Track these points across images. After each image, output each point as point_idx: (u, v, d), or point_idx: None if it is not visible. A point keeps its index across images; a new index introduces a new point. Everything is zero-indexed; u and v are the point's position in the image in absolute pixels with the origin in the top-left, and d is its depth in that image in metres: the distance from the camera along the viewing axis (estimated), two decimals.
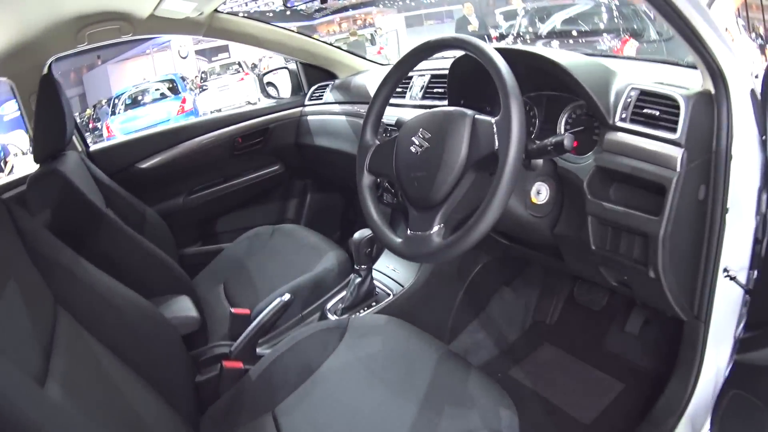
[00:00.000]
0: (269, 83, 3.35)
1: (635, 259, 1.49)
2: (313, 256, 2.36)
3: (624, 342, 2.23)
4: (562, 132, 1.66)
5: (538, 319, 2.47)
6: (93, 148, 2.68)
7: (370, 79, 2.73)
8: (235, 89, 14.31)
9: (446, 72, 1.91)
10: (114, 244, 1.91)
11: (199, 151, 2.90)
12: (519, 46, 1.64)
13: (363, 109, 2.48)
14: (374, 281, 2.18)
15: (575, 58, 1.63)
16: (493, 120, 1.27)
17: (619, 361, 2.20)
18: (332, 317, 2.07)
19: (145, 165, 2.77)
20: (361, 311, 2.11)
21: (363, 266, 2.09)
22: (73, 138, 2.50)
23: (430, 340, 1.66)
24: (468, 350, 2.35)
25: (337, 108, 2.84)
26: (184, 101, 12.82)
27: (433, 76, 2.21)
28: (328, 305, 2.15)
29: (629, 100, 1.48)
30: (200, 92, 14.32)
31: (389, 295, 2.18)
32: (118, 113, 13.04)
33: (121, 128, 12.15)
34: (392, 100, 1.76)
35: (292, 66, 3.22)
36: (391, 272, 2.31)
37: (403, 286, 2.21)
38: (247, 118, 3.02)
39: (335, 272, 2.27)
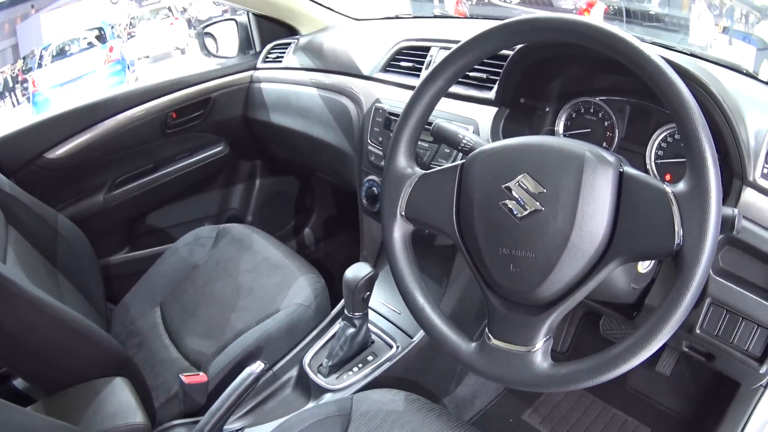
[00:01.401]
0: (207, 34, 2.62)
1: (748, 353, 1.19)
2: (276, 280, 1.90)
3: (651, 381, 1.96)
4: (651, 161, 1.31)
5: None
6: None
7: (350, 39, 2.17)
8: (165, 34, 13.91)
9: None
10: (13, 316, 1.37)
11: (123, 132, 2.30)
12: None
13: (345, 81, 1.98)
14: (369, 324, 1.72)
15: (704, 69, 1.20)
16: (668, 189, 0.86)
17: (645, 402, 1.97)
18: (318, 379, 1.64)
19: (54, 154, 2.19)
20: (355, 369, 1.66)
21: (358, 313, 1.61)
22: None
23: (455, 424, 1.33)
24: (477, 391, 2.00)
25: (304, 76, 2.22)
26: (111, 50, 12.13)
27: None
28: (307, 359, 1.70)
29: None
30: (128, 39, 13.73)
31: (391, 347, 1.72)
32: (45, 66, 12.17)
33: (46, 81, 11.63)
34: (399, 78, 1.56)
35: (241, 17, 2.58)
36: (391, 313, 1.83)
37: (411, 337, 1.74)
38: (183, 86, 2.40)
39: (312, 310, 1.80)
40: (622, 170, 0.92)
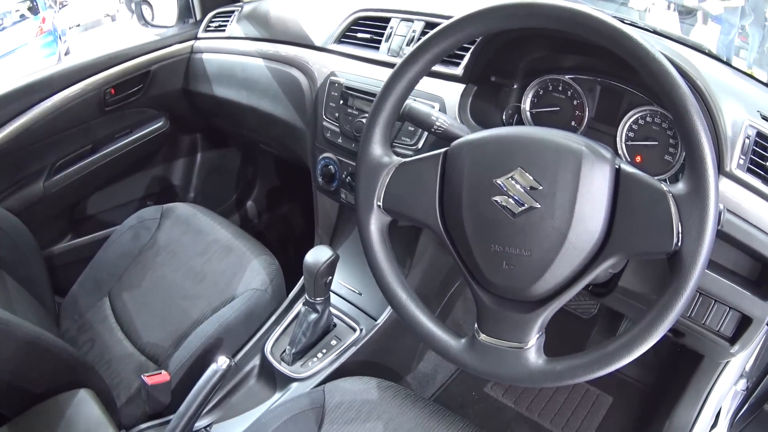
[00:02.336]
0: (143, 1, 2.48)
1: (719, 334, 1.20)
2: (229, 263, 1.83)
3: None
4: (622, 142, 1.30)
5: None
6: None
7: (299, 7, 2.05)
8: (94, 1, 13.19)
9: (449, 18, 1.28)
10: None
11: (61, 113, 2.16)
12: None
13: (295, 52, 1.88)
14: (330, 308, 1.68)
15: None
16: (667, 190, 0.87)
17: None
18: (282, 368, 1.59)
19: None
20: (320, 355, 1.62)
21: (320, 298, 1.56)
22: None
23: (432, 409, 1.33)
24: (437, 366, 2.00)
25: (250, 47, 2.10)
26: (43, 21, 11.48)
27: (429, 25, 1.56)
28: (268, 347, 1.65)
29: (747, 140, 1.10)
30: (60, 9, 13.38)
31: (355, 330, 1.68)
32: None
33: None
34: (355, 51, 1.54)
35: None
36: (352, 294, 1.80)
37: (374, 319, 1.71)
38: (121, 60, 2.26)
39: (269, 294, 1.73)
40: (618, 166, 0.91)
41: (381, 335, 1.67)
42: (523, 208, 0.91)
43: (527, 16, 0.95)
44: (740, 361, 1.42)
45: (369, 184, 1.08)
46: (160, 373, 1.48)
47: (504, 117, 1.40)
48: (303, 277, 1.60)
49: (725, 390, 1.47)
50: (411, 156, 1.10)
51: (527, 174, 0.91)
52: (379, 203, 1.07)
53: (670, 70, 0.86)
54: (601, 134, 1.32)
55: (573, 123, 1.35)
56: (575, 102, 1.34)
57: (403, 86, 1.06)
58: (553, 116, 1.36)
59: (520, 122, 1.39)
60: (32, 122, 2.08)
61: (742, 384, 1.54)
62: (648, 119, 1.25)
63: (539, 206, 0.90)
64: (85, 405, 1.34)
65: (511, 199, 0.92)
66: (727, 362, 1.41)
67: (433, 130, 1.16)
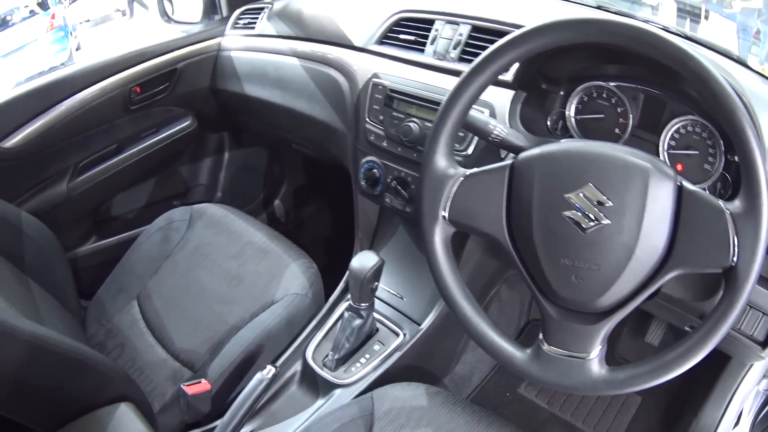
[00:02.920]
0: None
1: (752, 338, 1.23)
2: (266, 266, 1.81)
3: (639, 351, 2.03)
4: (664, 150, 1.31)
5: (534, 318, 2.16)
6: None
7: (333, 5, 2.02)
8: None
9: (497, 25, 1.45)
10: None
11: (84, 112, 2.12)
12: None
13: (333, 52, 1.85)
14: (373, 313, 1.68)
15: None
16: (725, 208, 0.91)
17: None
18: (325, 374, 1.58)
19: (9, 143, 2.02)
20: (363, 360, 1.61)
21: (364, 304, 1.56)
22: None
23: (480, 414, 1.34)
24: (474, 368, 2.01)
25: (283, 45, 2.07)
26: (53, 16, 11.49)
27: (476, 29, 1.54)
28: (310, 352, 1.63)
29: None
30: (70, 4, 13.39)
31: (398, 335, 1.68)
32: None
33: None
34: (398, 52, 1.61)
35: None
36: (394, 299, 1.79)
37: (418, 324, 1.70)
38: (146, 57, 2.23)
39: (309, 299, 1.71)
40: (679, 184, 0.94)
41: (424, 340, 1.66)
42: (594, 223, 0.94)
43: (598, 33, 0.97)
44: (766, 361, 1.44)
45: (434, 195, 1.09)
46: (200, 382, 1.45)
47: (549, 123, 1.41)
48: (347, 281, 1.61)
49: (748, 390, 1.51)
50: (461, 162, 1.14)
51: (597, 190, 0.94)
52: (444, 215, 1.08)
53: (730, 93, 0.89)
54: (644, 142, 1.33)
55: (617, 130, 1.36)
56: (619, 110, 1.35)
57: (468, 96, 1.07)
58: (597, 123, 1.37)
59: (565, 129, 1.39)
60: (54, 122, 2.06)
61: (765, 384, 1.57)
62: (689, 128, 1.27)
63: (609, 222, 0.94)
64: (127, 419, 1.33)
65: (581, 215, 0.95)
66: (752, 363, 1.46)
67: (490, 138, 1.15)
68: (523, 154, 1.03)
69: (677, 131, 1.28)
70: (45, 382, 1.23)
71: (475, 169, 1.07)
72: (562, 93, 1.41)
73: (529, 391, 2.00)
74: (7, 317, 1.16)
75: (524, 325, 2.16)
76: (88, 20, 12.16)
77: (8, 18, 11.94)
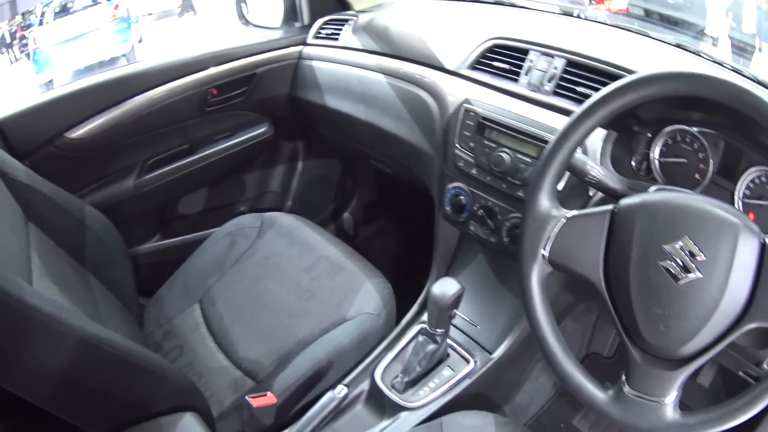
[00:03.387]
0: None
1: None
2: (340, 283, 1.80)
3: (690, 390, 1.84)
4: (739, 199, 1.32)
5: (593, 351, 2.14)
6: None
7: (423, 23, 2.01)
8: None
9: (591, 62, 1.48)
10: (59, 358, 1.19)
11: (157, 109, 2.12)
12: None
13: (423, 73, 1.84)
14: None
15: None
16: None
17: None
18: (393, 395, 1.56)
19: (76, 134, 2.01)
20: (432, 385, 1.59)
21: (440, 330, 1.55)
22: None
23: None
24: (532, 398, 1.99)
25: (369, 60, 2.06)
26: (116, 7, 11.63)
27: (571, 63, 1.55)
28: (379, 372, 1.62)
29: None
30: None
31: (468, 362, 1.66)
32: (46, 23, 11.85)
33: (48, 39, 11.06)
34: (491, 80, 1.57)
35: None
36: (467, 325, 1.77)
37: (490, 353, 1.69)
38: (225, 59, 2.23)
39: (382, 319, 1.70)
40: (763, 241, 0.98)
41: (494, 369, 1.66)
42: (689, 276, 0.98)
43: (707, 89, 1.02)
44: None
45: (536, 234, 1.13)
46: (266, 394, 1.46)
47: (633, 164, 1.42)
48: (421, 304, 1.67)
49: None
50: None
51: (693, 243, 0.98)
52: (544, 254, 1.12)
53: None
54: (721, 189, 1.35)
55: (697, 176, 1.36)
56: (700, 155, 1.36)
57: (577, 138, 1.11)
58: (679, 168, 1.38)
59: (649, 170, 1.40)
60: (125, 116, 2.06)
61: None
62: (764, 179, 1.28)
63: (701, 275, 0.97)
64: (192, 430, 1.34)
65: (676, 265, 0.99)
66: None
67: (586, 179, 1.19)
68: (624, 203, 1.07)
69: (752, 180, 1.30)
70: (105, 385, 1.23)
71: (576, 212, 1.11)
72: (648, 135, 1.42)
73: (582, 423, 1.99)
74: (76, 320, 1.16)
75: (583, 357, 2.14)
76: (150, 13, 12.27)
77: (69, 5, 12.14)
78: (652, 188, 1.15)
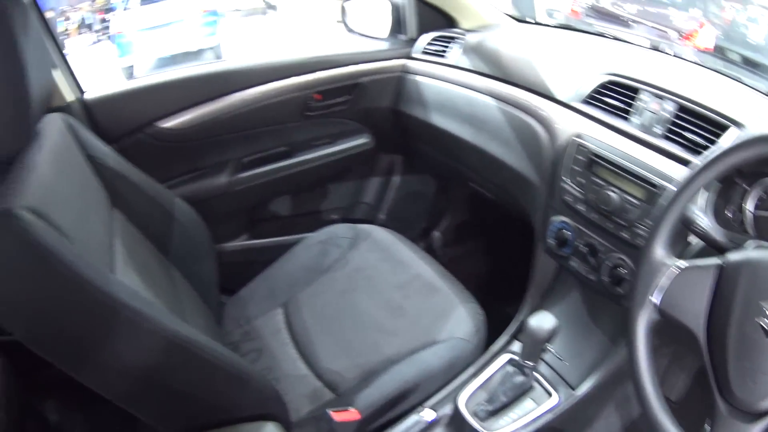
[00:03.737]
0: (349, 6, 2.45)
1: None
2: (432, 304, 1.77)
3: None
4: None
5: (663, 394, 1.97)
6: (90, 95, 1.93)
7: (535, 50, 1.98)
8: None
9: (703, 110, 1.46)
10: (142, 355, 1.19)
11: (257, 108, 2.14)
12: None
13: (534, 101, 1.82)
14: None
15: None
16: None
17: None
18: (475, 423, 1.54)
19: (170, 124, 2.03)
20: (513, 415, 1.57)
21: (531, 363, 1.55)
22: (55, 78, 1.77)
23: None
24: None
25: (477, 81, 2.03)
26: (199, 2, 11.78)
27: (683, 109, 1.52)
28: (463, 398, 1.59)
29: None
30: None
31: (551, 395, 1.64)
32: (130, 8, 12.08)
33: (132, 24, 11.31)
34: (602, 116, 1.59)
35: None
36: (554, 359, 1.75)
37: (573, 388, 1.67)
38: (329, 65, 2.23)
39: (472, 345, 1.69)
40: None
41: (576, 406, 1.64)
42: None
43: None
44: None
45: (648, 281, 1.14)
46: (348, 409, 1.45)
47: (729, 214, 1.40)
48: (513, 335, 1.67)
49: None
50: None
51: None
52: (655, 302, 1.13)
53: None
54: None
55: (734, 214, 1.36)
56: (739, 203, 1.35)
57: (695, 190, 1.14)
58: None
59: (741, 222, 1.38)
60: (222, 112, 2.08)
61: None
62: None
63: None
64: None
65: None
66: None
67: (692, 227, 1.19)
68: (731, 258, 1.08)
69: None
70: (188, 387, 1.24)
71: (688, 263, 1.12)
72: (744, 186, 1.40)
73: None
74: (165, 318, 1.17)
75: None
76: (238, 10, 12.42)
77: None
78: (752, 243, 1.14)
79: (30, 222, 1.04)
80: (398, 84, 2.37)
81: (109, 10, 15.04)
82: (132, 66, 11.15)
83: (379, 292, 1.83)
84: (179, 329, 1.20)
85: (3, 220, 1.03)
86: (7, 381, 1.87)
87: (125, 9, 11.77)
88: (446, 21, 2.31)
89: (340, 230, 2.06)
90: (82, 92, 1.93)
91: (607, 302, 1.55)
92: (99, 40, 15.57)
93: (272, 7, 14.47)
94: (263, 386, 1.37)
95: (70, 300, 1.07)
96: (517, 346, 1.68)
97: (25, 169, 1.18)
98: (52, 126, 1.42)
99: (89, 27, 16.08)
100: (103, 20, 15.17)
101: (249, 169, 2.25)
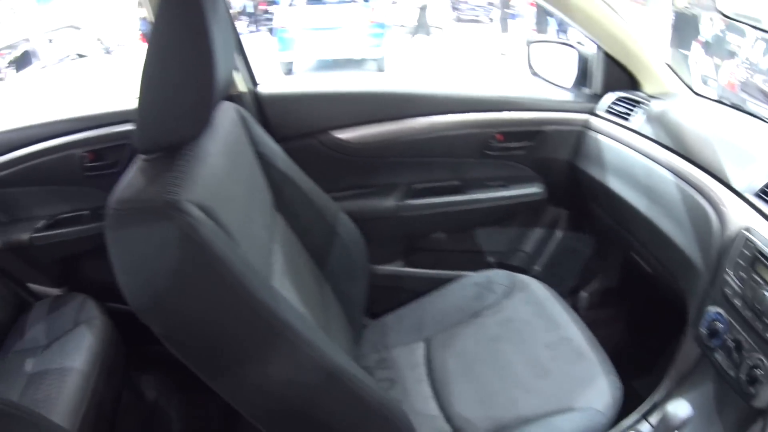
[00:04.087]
0: (536, 50, 2.47)
1: None
2: (577, 370, 1.75)
3: None
4: None
5: None
6: (264, 89, 2.03)
7: (716, 128, 1.92)
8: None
9: None
10: (289, 377, 1.21)
11: (435, 138, 2.18)
12: None
13: (710, 184, 1.76)
14: None
15: None
16: None
17: None
18: None
19: (346, 135, 2.11)
20: None
21: None
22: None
23: None
24: None
25: (659, 153, 1.97)
26: (373, 10, 12.14)
27: None
28: None
29: None
30: (393, 3, 13.93)
31: None
32: (295, 5, 12.55)
33: (296, 21, 11.85)
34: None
35: (586, 49, 2.33)
36: None
37: None
38: (513, 106, 2.24)
39: (606, 419, 1.67)
40: None
41: None
42: None
43: None
44: None
45: None
46: None
47: None
48: (643, 415, 1.65)
49: None
50: None
51: None
52: None
53: None
54: None
55: None
56: None
57: None
58: None
59: None
60: (402, 134, 2.13)
61: None
62: None
63: None
64: None
65: None
66: None
67: None
68: None
69: None
70: (332, 417, 1.25)
71: None
72: None
73: None
74: (325, 345, 1.19)
75: None
76: (403, 26, 12.57)
77: None
78: None
79: (198, 219, 1.06)
80: (579, 139, 2.31)
81: (272, 2, 15.46)
82: (291, 62, 11.43)
83: (527, 348, 1.82)
84: (337, 359, 1.22)
85: (170, 211, 1.05)
86: (114, 351, 2.06)
87: (290, 5, 12.13)
88: (630, 82, 2.27)
89: (498, 276, 2.06)
90: (255, 84, 2.02)
91: (738, 399, 1.52)
92: (258, 30, 16.01)
93: (438, 28, 14.60)
94: (404, 426, 1.39)
95: (229, 308, 1.10)
96: (646, 427, 1.66)
97: (196, 158, 1.21)
98: (226, 115, 1.46)
99: (249, 16, 16.56)
100: (266, 11, 15.59)
101: (418, 197, 2.26)
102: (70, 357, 1.96)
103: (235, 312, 1.10)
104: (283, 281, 1.42)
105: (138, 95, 1.20)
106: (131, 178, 1.19)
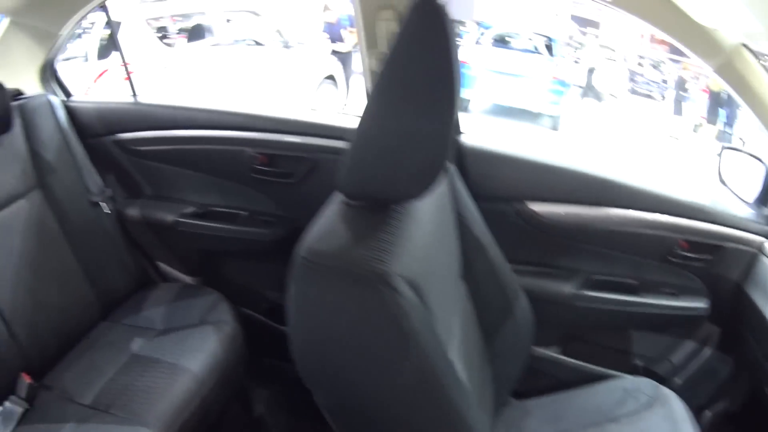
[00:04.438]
0: (730, 155, 2.29)
1: None
2: None
3: None
4: None
5: None
6: (466, 139, 2.04)
7: None
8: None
9: None
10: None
11: (618, 232, 2.15)
12: None
13: None
14: None
15: None
16: None
17: None
18: None
19: (539, 209, 2.11)
20: None
21: None
22: None
23: None
24: None
25: None
26: (557, 66, 12.00)
27: None
28: None
29: None
30: (576, 61, 13.88)
31: None
32: (481, 44, 12.60)
33: (481, 61, 11.69)
34: None
35: None
36: None
37: None
38: (697, 214, 2.13)
39: None
40: None
41: None
42: None
43: None
44: None
45: None
46: None
47: None
48: None
49: None
50: None
51: None
52: None
53: None
54: None
55: None
56: None
57: None
58: None
59: None
60: (594, 220, 2.12)
61: None
62: None
63: None
64: None
65: None
66: None
67: None
68: None
69: None
70: None
71: None
72: None
73: None
74: (479, 425, 1.21)
75: None
76: (580, 86, 12.43)
77: (508, 40, 12.80)
78: None
79: (405, 295, 1.02)
80: (751, 261, 2.15)
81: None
82: (469, 101, 11.40)
83: None
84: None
85: (377, 284, 1.01)
86: (236, 362, 2.07)
87: (476, 42, 12.24)
88: None
89: (644, 385, 2.03)
90: (458, 132, 2.00)
91: None
92: None
93: (613, 96, 14.43)
94: None
95: (410, 386, 1.07)
96: None
97: (408, 218, 1.16)
98: None
99: None
100: None
101: (596, 289, 2.20)
102: (187, 356, 1.95)
103: (412, 390, 1.06)
104: (458, 354, 1.38)
105: (358, 128, 1.12)
106: (331, 226, 1.13)
